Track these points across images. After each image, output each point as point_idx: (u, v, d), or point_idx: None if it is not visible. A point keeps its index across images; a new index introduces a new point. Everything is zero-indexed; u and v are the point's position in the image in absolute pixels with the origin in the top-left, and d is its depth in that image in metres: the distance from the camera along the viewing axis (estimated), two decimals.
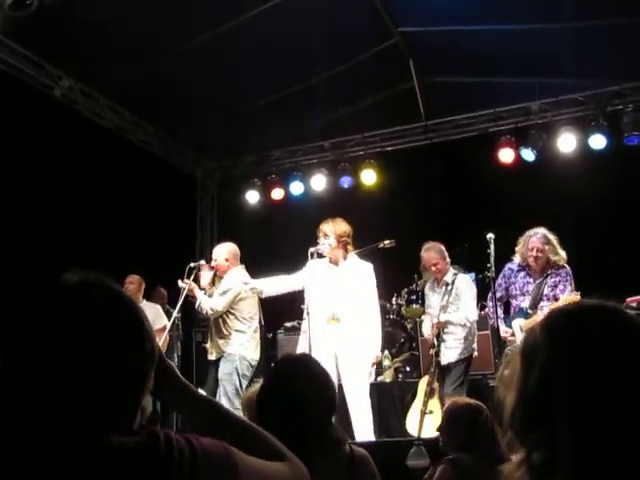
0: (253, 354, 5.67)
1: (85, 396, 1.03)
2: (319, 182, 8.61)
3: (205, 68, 6.88)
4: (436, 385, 5.53)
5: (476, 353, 5.69)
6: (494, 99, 7.77)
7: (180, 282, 5.59)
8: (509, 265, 5.55)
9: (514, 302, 5.46)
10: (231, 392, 5.46)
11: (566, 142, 7.51)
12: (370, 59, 7.16)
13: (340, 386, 5.21)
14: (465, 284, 5.71)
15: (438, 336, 5.53)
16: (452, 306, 5.59)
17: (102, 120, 7.53)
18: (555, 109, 7.74)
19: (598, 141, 7.37)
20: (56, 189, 6.68)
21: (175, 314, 5.95)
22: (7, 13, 5.39)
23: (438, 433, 3.32)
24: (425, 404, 5.43)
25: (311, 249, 5.27)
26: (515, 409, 0.95)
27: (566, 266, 5.33)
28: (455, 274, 5.71)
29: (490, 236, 5.11)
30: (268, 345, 7.03)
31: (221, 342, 5.65)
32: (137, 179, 7.54)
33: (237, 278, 5.66)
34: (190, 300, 5.77)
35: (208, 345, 5.92)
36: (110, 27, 5.95)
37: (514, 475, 0.94)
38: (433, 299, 5.83)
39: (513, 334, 5.36)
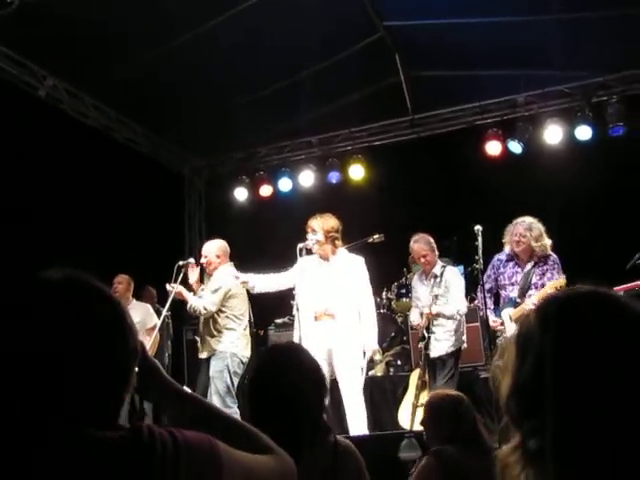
0: (244, 351, 5.67)
1: (68, 392, 1.03)
2: (307, 178, 8.61)
3: (191, 65, 6.85)
4: (427, 378, 5.55)
5: (465, 345, 5.71)
6: (480, 92, 7.79)
7: (168, 286, 5.57)
8: (498, 256, 5.59)
9: (503, 293, 5.50)
10: (222, 390, 5.45)
11: (552, 134, 7.56)
12: (356, 54, 7.15)
13: (333, 381, 5.22)
14: (454, 276, 5.74)
15: (428, 328, 5.55)
16: (442, 298, 5.61)
17: (87, 119, 7.49)
18: (541, 101, 7.77)
19: (584, 132, 7.42)
20: (42, 189, 6.64)
21: (164, 313, 5.93)
22: None
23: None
24: (417, 397, 5.45)
25: (300, 245, 5.28)
26: (510, 396, 0.95)
27: (553, 254, 5.38)
28: (443, 266, 5.73)
29: (478, 228, 5.13)
30: (259, 342, 7.03)
31: (212, 340, 5.64)
32: (124, 178, 7.51)
33: (227, 275, 5.65)
34: (179, 300, 5.75)
35: (199, 344, 5.91)
36: (94, 26, 5.92)
37: (508, 460, 0.94)
38: (421, 291, 5.84)
39: (502, 323, 5.40)
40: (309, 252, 5.37)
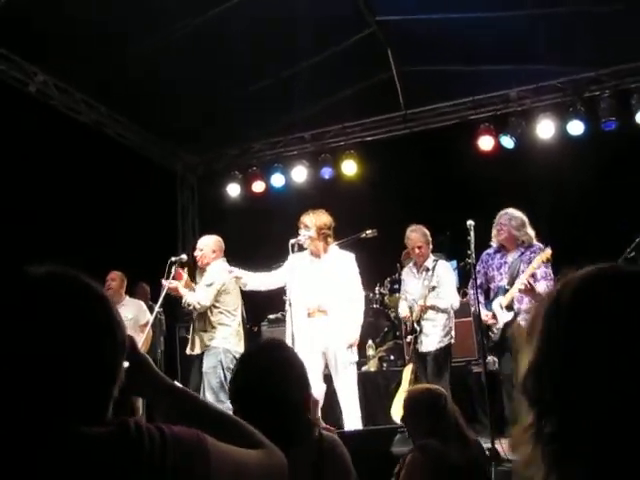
0: (237, 347, 5.66)
1: (55, 387, 1.02)
2: (300, 174, 8.61)
3: (183, 60, 6.81)
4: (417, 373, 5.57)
5: (453, 340, 5.72)
6: (473, 87, 7.79)
7: (164, 281, 5.56)
8: (486, 251, 5.63)
9: (493, 284, 5.52)
10: (216, 385, 5.44)
11: (545, 128, 7.58)
12: (348, 49, 7.13)
13: (326, 376, 5.23)
14: (446, 271, 5.75)
15: (419, 321, 5.55)
16: (433, 292, 5.61)
17: (79, 115, 7.45)
18: (534, 96, 7.79)
19: (576, 127, 7.44)
20: (33, 186, 6.60)
21: (157, 309, 5.91)
22: None
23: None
24: None
25: (292, 240, 5.28)
26: (526, 376, 0.94)
27: (538, 244, 5.42)
28: (435, 260, 5.74)
29: (470, 223, 5.13)
30: (252, 338, 7.03)
31: (205, 336, 5.63)
32: (116, 175, 7.48)
33: (220, 270, 5.65)
34: (173, 296, 5.73)
35: (191, 340, 5.90)
36: (84, 22, 5.87)
37: (521, 438, 0.94)
38: (412, 284, 5.83)
39: (494, 316, 5.41)
40: (301, 248, 5.37)
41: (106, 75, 6.72)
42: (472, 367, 6.68)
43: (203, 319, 5.67)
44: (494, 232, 5.54)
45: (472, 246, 5.12)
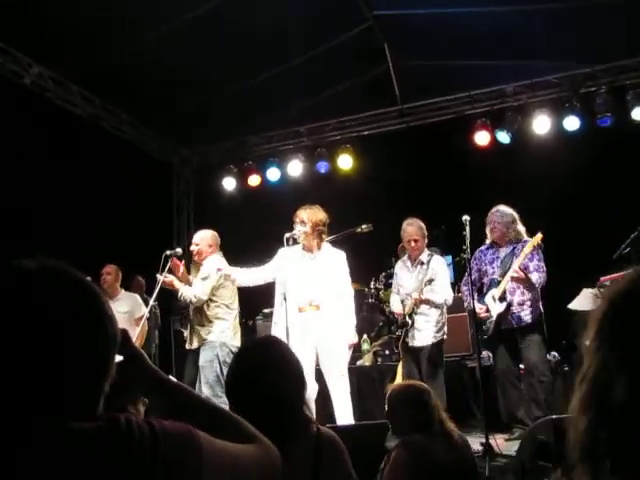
0: (233, 340, 5.66)
1: (45, 382, 1.02)
2: (296, 168, 8.60)
3: (179, 53, 6.78)
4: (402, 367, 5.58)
5: (446, 336, 5.73)
6: (469, 82, 7.78)
7: (159, 276, 5.54)
8: (479, 248, 5.73)
9: (486, 279, 5.62)
10: (212, 379, 5.44)
11: (541, 124, 7.58)
12: (345, 43, 7.11)
13: (318, 371, 5.23)
14: (440, 265, 5.75)
15: (410, 315, 5.55)
16: (429, 286, 5.62)
17: (75, 108, 7.42)
18: (530, 91, 7.79)
19: (572, 122, 7.45)
20: (28, 179, 6.57)
21: (151, 302, 5.91)
22: None
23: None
24: None
25: (287, 234, 5.28)
26: (581, 380, 0.94)
27: (528, 238, 5.53)
28: (430, 254, 5.75)
29: (465, 218, 5.14)
30: (248, 332, 7.03)
31: (202, 330, 5.63)
32: (111, 167, 7.45)
33: (216, 264, 5.64)
34: (169, 289, 5.72)
35: (188, 334, 5.89)
36: (80, 13, 5.83)
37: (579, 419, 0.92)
38: (405, 278, 5.83)
39: (487, 310, 5.47)
40: (295, 241, 5.36)
41: (102, 68, 6.69)
42: (467, 362, 6.70)
43: (200, 313, 5.67)
44: (488, 230, 5.64)
45: (467, 241, 5.14)
